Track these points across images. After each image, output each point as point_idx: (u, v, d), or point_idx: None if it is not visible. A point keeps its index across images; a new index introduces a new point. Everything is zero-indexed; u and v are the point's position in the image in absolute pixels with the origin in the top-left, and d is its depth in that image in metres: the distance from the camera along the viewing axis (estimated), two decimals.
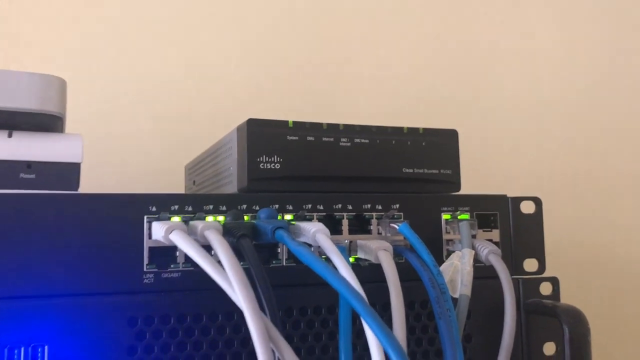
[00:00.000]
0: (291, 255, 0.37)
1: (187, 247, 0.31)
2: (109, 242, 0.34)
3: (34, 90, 0.42)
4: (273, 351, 0.29)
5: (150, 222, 0.35)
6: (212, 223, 0.33)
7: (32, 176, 0.42)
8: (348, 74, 0.83)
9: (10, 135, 0.42)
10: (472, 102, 0.87)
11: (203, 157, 0.53)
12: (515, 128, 0.88)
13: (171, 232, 0.32)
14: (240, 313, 0.34)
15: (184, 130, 0.74)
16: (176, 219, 0.35)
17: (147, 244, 0.35)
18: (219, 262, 0.31)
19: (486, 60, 0.89)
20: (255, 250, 0.33)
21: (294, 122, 0.42)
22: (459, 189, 0.45)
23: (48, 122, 0.44)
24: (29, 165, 0.41)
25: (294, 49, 0.81)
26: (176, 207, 0.36)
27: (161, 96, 0.75)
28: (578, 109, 0.91)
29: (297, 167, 0.41)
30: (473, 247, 0.38)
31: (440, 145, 0.45)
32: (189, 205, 0.36)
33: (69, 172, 0.43)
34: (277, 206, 0.38)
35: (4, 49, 0.72)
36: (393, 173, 0.43)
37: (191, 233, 0.33)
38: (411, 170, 0.44)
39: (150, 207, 0.35)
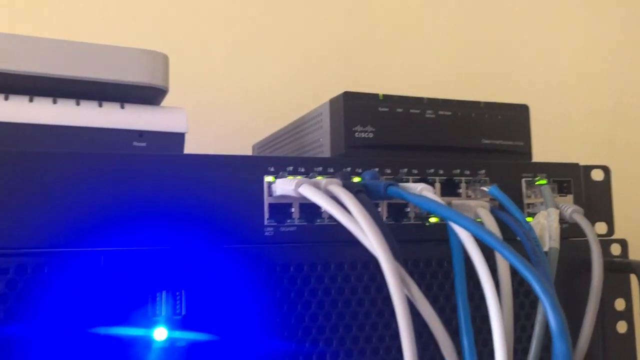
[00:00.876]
0: (391, 214, 0.41)
1: (317, 197, 0.34)
2: (233, 199, 0.38)
3: (144, 65, 0.45)
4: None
5: (269, 182, 0.38)
6: (333, 180, 0.36)
7: (144, 144, 0.45)
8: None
9: (122, 107, 0.45)
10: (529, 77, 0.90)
11: (279, 134, 0.56)
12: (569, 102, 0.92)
13: (300, 185, 0.35)
14: (350, 262, 0.38)
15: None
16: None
17: (267, 201, 0.38)
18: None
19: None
20: None
21: (384, 95, 0.45)
22: (530, 159, 0.49)
23: (153, 95, 0.47)
24: (140, 134, 0.45)
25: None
26: (291, 168, 0.39)
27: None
28: None
29: (388, 136, 0.45)
30: (557, 207, 0.42)
31: (514, 119, 0.48)
32: (302, 166, 0.40)
33: (176, 141, 0.46)
34: (377, 169, 0.41)
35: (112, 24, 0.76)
36: (473, 144, 0.47)
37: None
38: (489, 142, 0.47)
39: (268, 168, 0.39)
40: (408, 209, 0.41)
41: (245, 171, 0.38)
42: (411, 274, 0.39)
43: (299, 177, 0.38)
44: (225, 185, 0.38)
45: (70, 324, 0.34)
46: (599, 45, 0.97)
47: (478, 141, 0.47)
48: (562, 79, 0.94)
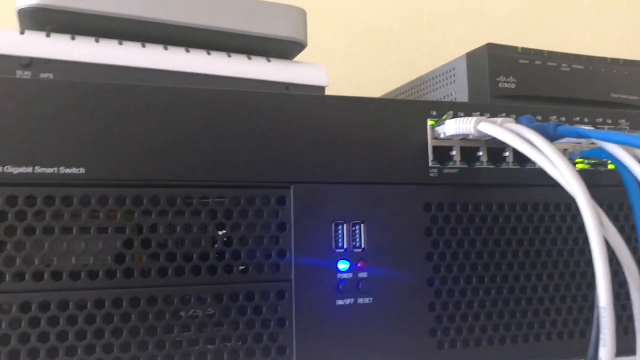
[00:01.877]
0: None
1: (500, 133, 0.36)
2: (400, 141, 0.39)
3: (290, 20, 0.47)
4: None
5: (432, 126, 0.40)
6: (507, 119, 0.38)
7: None
8: None
9: (269, 61, 0.47)
10: None
11: (401, 91, 0.58)
12: None
13: (479, 123, 0.37)
14: (510, 203, 0.39)
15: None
16: None
17: (430, 144, 0.40)
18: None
19: None
20: None
21: (522, 48, 0.46)
22: None
23: (293, 50, 0.48)
24: (287, 87, 0.46)
25: None
26: (451, 112, 0.41)
27: None
28: None
29: (529, 87, 0.46)
30: None
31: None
32: (462, 112, 0.41)
33: (318, 94, 0.48)
34: (529, 116, 0.42)
35: None
36: (603, 97, 0.48)
37: None
38: (618, 96, 0.49)
39: (431, 112, 0.40)
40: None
41: (410, 115, 0.40)
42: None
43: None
44: (392, 127, 0.39)
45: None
46: None
47: (607, 95, 0.48)
48: None
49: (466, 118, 0.38)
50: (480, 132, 0.37)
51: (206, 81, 0.44)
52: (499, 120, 0.37)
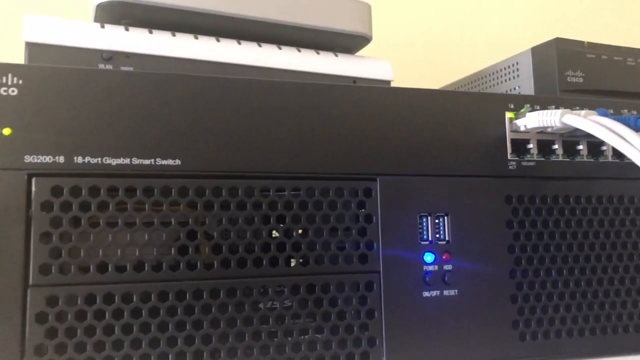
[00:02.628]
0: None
1: (588, 125, 0.36)
2: (476, 133, 0.39)
3: (356, 14, 0.47)
4: None
5: (510, 118, 0.40)
6: (590, 112, 0.38)
7: None
8: None
9: (336, 55, 0.47)
10: None
11: (456, 87, 0.58)
12: None
13: (564, 115, 0.37)
14: (597, 196, 0.39)
15: None
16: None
17: (509, 137, 0.40)
18: None
19: None
20: None
21: (589, 42, 0.47)
22: None
23: (358, 44, 0.49)
24: (354, 81, 0.46)
25: None
26: (528, 105, 0.41)
27: None
28: None
29: (596, 81, 0.46)
30: None
31: None
32: (538, 105, 0.41)
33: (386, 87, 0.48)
34: (603, 109, 0.43)
35: None
36: None
37: None
38: None
39: (509, 105, 0.40)
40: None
41: (488, 107, 0.40)
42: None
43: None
44: (471, 120, 0.39)
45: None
46: None
47: None
48: None
49: (550, 110, 0.38)
50: (565, 124, 0.37)
51: (276, 75, 0.44)
52: (582, 112, 0.38)
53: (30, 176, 0.31)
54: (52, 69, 0.32)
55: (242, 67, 0.43)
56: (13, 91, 0.31)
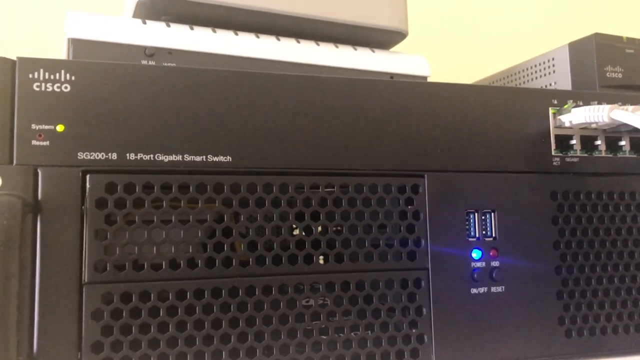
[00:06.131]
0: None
1: (636, 120, 0.36)
2: (520, 129, 0.39)
3: (394, 10, 0.46)
4: None
5: (554, 114, 0.40)
6: (638, 107, 0.37)
7: None
8: None
9: (373, 51, 0.47)
10: None
11: (489, 82, 0.58)
12: None
13: (612, 111, 0.36)
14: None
15: None
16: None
17: (553, 132, 0.40)
18: None
19: None
20: None
21: (627, 38, 0.46)
22: None
23: (394, 39, 0.48)
24: (391, 77, 0.46)
25: None
26: (571, 101, 0.40)
27: None
28: None
29: (636, 76, 0.46)
30: None
31: None
32: (580, 100, 0.41)
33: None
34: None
35: None
36: None
37: None
38: None
39: (552, 101, 0.40)
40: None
41: (531, 103, 0.39)
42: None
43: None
44: (515, 115, 0.39)
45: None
46: None
47: None
48: None
49: (597, 106, 0.38)
50: (613, 119, 0.37)
51: (315, 71, 0.44)
52: (630, 107, 0.37)
53: (84, 173, 0.30)
54: (103, 65, 0.32)
55: (281, 64, 0.43)
56: (66, 87, 0.31)
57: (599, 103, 0.41)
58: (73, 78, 0.31)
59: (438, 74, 0.73)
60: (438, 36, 0.80)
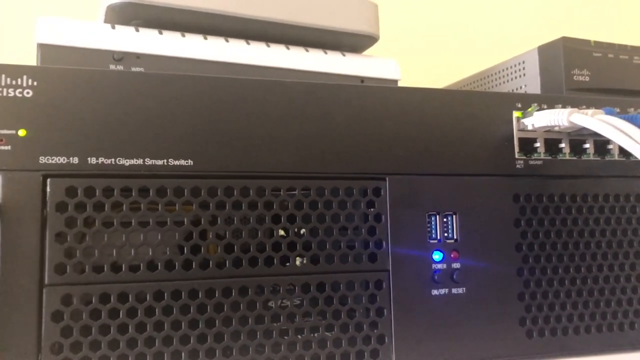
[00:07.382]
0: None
1: (595, 124, 0.36)
2: (483, 133, 0.39)
3: (363, 13, 0.47)
4: None
5: (518, 117, 0.40)
6: (597, 110, 0.38)
7: None
8: None
9: (344, 55, 0.47)
10: None
11: (462, 85, 0.58)
12: None
13: (572, 114, 0.37)
14: (604, 194, 0.39)
15: None
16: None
17: (516, 135, 0.40)
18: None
19: None
20: None
21: (595, 41, 0.47)
22: None
23: (365, 43, 0.49)
24: (362, 80, 0.47)
25: None
26: (536, 104, 0.41)
27: None
28: None
29: (602, 80, 0.46)
30: None
31: None
32: (545, 104, 0.41)
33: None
34: (610, 108, 0.43)
35: None
36: None
37: None
38: None
39: (516, 104, 0.41)
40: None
41: (495, 107, 0.40)
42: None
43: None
44: (478, 119, 0.39)
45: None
46: None
47: None
48: None
49: (558, 110, 0.38)
50: (572, 123, 0.37)
51: (284, 75, 0.44)
52: (589, 111, 0.38)
53: (45, 177, 0.31)
54: (66, 71, 0.32)
55: (251, 67, 0.43)
56: (28, 93, 0.31)
57: (564, 106, 0.41)
58: (35, 83, 0.32)
59: (412, 78, 0.74)
60: (413, 40, 0.80)
